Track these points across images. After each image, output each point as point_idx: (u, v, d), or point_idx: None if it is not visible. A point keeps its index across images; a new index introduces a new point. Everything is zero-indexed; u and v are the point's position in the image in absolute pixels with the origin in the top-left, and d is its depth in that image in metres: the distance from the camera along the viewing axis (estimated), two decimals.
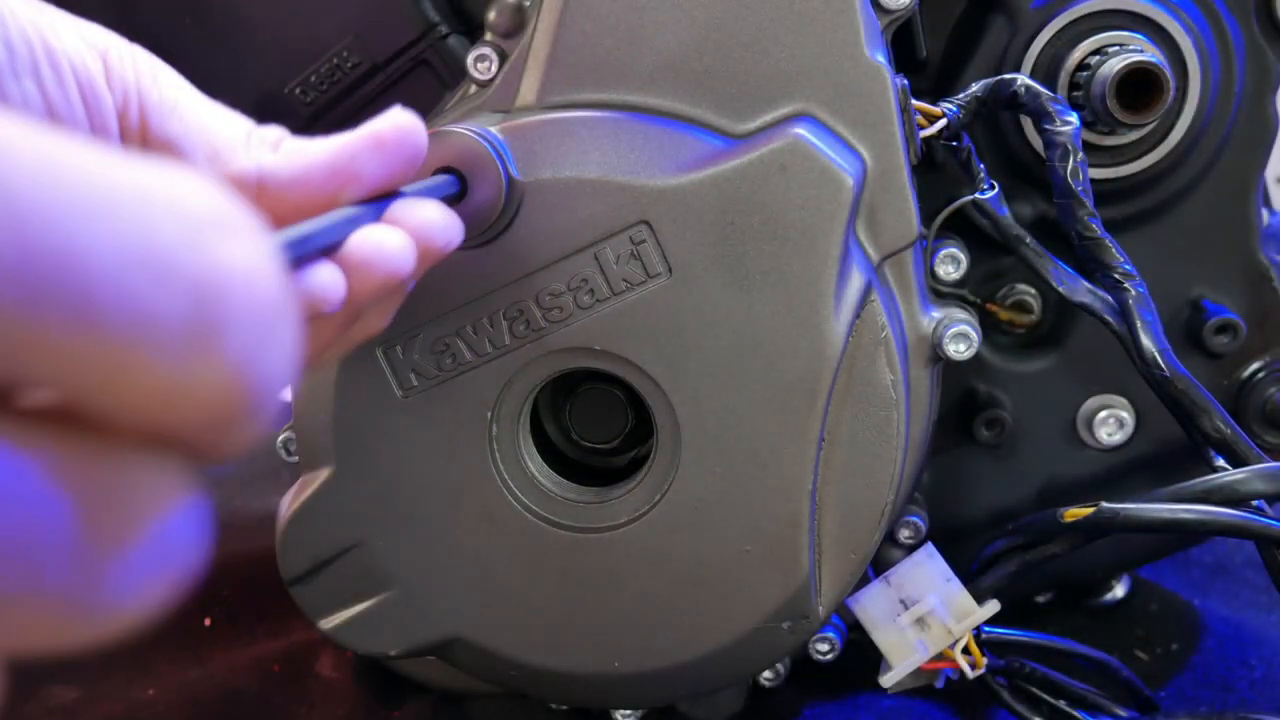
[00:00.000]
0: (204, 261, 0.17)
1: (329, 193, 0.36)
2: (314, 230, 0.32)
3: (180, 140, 0.38)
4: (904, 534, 0.60)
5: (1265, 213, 0.65)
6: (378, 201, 0.37)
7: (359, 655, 0.64)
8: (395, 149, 0.37)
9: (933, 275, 0.58)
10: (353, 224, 0.35)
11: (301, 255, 0.31)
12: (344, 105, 0.62)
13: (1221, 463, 0.54)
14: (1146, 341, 0.53)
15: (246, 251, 0.17)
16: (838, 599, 0.52)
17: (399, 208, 0.38)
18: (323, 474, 0.52)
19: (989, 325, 0.64)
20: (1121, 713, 0.59)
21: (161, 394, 0.17)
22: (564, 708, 0.64)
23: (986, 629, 0.58)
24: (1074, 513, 0.52)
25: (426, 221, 0.38)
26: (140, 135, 0.38)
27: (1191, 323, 0.64)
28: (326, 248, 0.33)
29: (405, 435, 0.51)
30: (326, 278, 0.33)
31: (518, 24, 0.53)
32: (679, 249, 0.48)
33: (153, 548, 0.18)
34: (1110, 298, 0.55)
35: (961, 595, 0.56)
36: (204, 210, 0.17)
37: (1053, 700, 0.59)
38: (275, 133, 0.40)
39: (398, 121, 0.37)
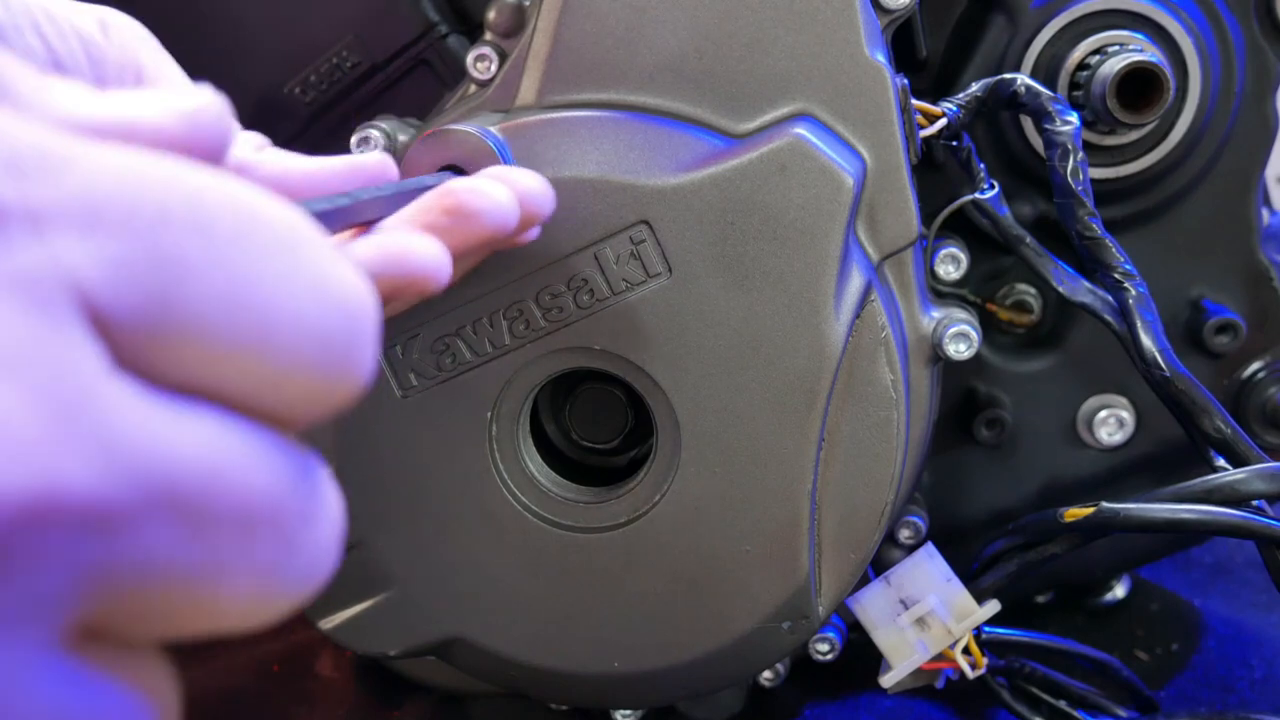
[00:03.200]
0: (350, 288, 0.21)
1: None
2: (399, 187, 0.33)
3: None
4: (904, 534, 0.60)
5: (1265, 213, 0.65)
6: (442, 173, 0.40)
7: (359, 655, 0.64)
8: (371, 179, 0.39)
9: (933, 275, 0.58)
10: (425, 184, 0.36)
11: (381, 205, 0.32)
12: (344, 105, 0.62)
13: (1222, 463, 0.54)
14: (1147, 341, 0.53)
15: (352, 273, 0.21)
16: (838, 599, 0.52)
17: (503, 171, 0.41)
18: None
19: (989, 325, 0.64)
20: (1121, 713, 0.59)
21: (311, 394, 0.20)
22: (564, 708, 0.64)
23: (986, 629, 0.58)
24: (1074, 513, 0.52)
25: (529, 188, 0.40)
26: None
27: (1192, 323, 0.64)
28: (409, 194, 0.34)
29: (405, 435, 0.51)
30: (435, 257, 0.33)
31: (517, 24, 0.53)
32: (679, 249, 0.48)
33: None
34: (1110, 297, 0.55)
35: (961, 595, 0.56)
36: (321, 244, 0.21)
37: (1053, 700, 0.59)
38: (260, 138, 0.41)
39: (378, 157, 0.39)
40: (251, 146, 0.40)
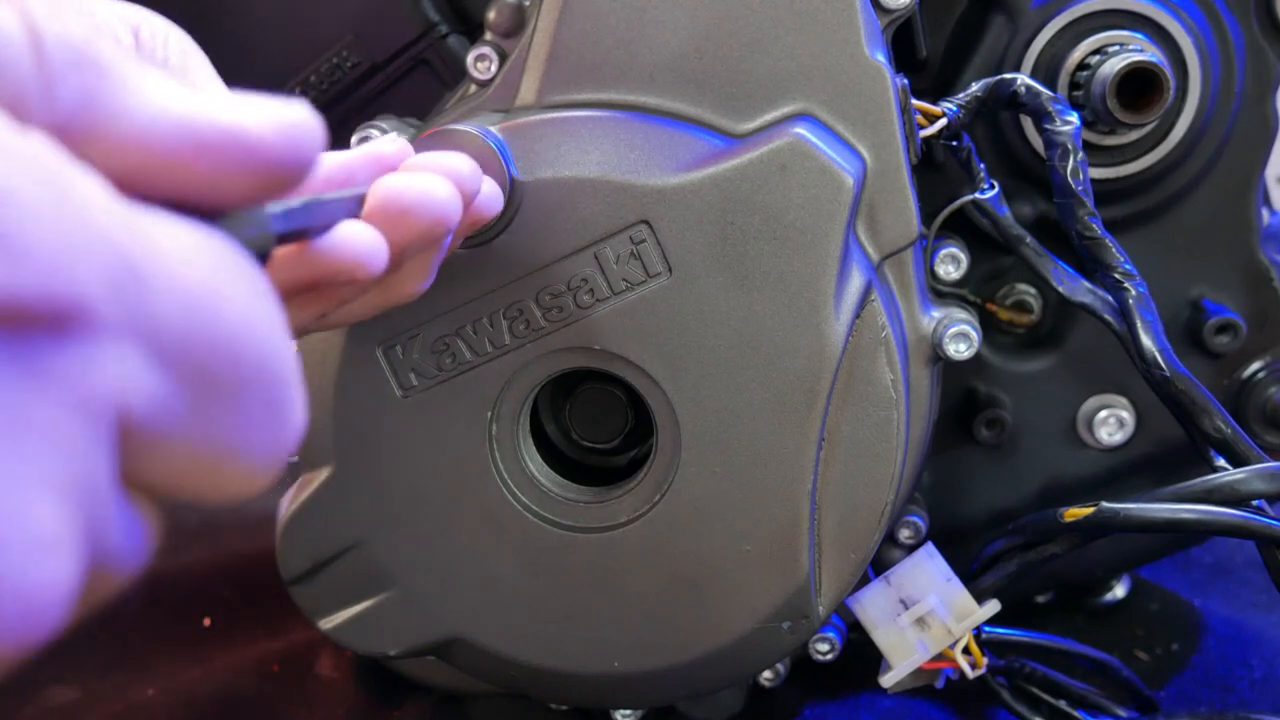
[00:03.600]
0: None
1: None
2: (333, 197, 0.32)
3: None
4: (904, 534, 0.60)
5: (1265, 212, 0.65)
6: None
7: (359, 655, 0.64)
8: (391, 167, 0.38)
9: (933, 275, 0.58)
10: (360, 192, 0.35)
11: (318, 217, 0.30)
12: (344, 105, 0.62)
13: (1222, 463, 0.54)
14: (1147, 341, 0.53)
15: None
16: (838, 599, 0.52)
17: (431, 158, 0.39)
18: (322, 474, 0.52)
19: (989, 325, 0.64)
20: (1121, 713, 0.59)
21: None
22: (564, 708, 0.64)
23: (986, 629, 0.58)
24: (1074, 513, 0.52)
25: (457, 170, 0.39)
26: None
27: (1192, 323, 0.64)
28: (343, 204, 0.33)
29: (405, 435, 0.51)
30: (368, 242, 0.33)
31: (518, 24, 0.53)
32: (679, 249, 0.48)
33: None
34: (1110, 297, 0.55)
35: (961, 595, 0.56)
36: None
37: (1053, 700, 0.59)
38: None
39: (395, 142, 0.38)
40: None
